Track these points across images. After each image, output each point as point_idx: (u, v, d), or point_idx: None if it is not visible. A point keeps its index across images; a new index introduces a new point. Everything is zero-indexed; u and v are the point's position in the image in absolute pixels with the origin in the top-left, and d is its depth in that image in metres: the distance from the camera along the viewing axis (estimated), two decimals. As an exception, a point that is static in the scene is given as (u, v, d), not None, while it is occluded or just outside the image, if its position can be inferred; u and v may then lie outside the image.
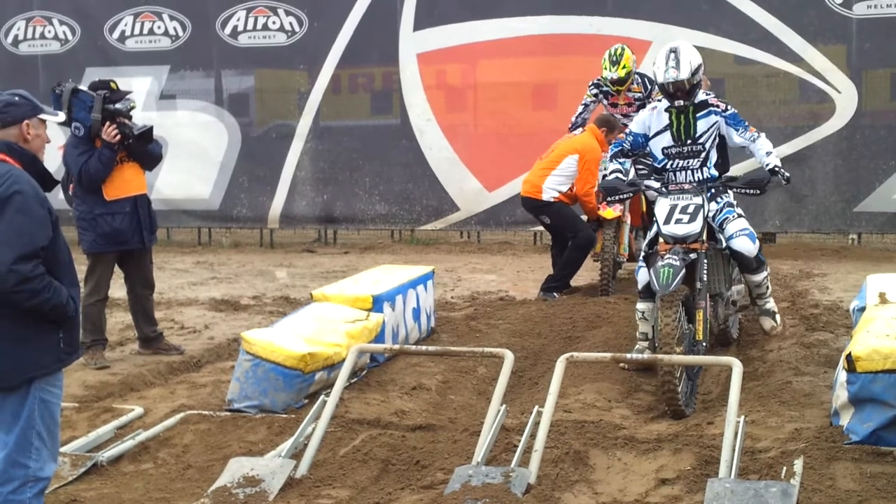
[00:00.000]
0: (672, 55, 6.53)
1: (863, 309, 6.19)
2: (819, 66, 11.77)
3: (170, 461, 5.49)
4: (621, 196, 6.91)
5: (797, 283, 9.84)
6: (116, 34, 14.36)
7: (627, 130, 7.18)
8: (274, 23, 13.79)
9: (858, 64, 11.79)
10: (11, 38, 14.78)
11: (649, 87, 9.36)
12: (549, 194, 9.29)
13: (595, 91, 9.62)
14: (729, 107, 6.77)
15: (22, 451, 3.99)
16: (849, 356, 5.18)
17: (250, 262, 12.30)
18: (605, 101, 9.61)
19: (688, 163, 6.71)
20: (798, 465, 4.87)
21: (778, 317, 6.89)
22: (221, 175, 14.03)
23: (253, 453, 5.37)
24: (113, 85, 7.46)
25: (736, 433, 4.81)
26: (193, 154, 13.97)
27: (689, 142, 6.68)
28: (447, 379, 6.79)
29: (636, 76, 9.47)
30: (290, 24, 13.73)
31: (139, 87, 13.63)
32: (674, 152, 6.72)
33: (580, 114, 9.72)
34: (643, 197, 9.05)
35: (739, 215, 6.66)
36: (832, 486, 4.69)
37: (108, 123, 7.18)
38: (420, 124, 13.38)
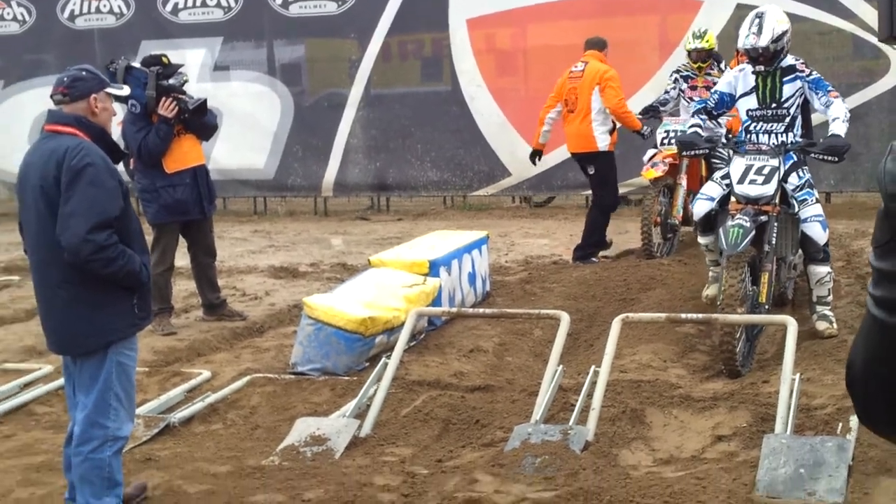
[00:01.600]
0: (756, 21, 6.47)
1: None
2: (872, 21, 11.58)
3: (238, 422, 5.69)
4: (697, 151, 6.93)
5: (853, 241, 9.79)
6: (170, 7, 14.54)
7: (714, 89, 7.20)
8: (325, -9, 13.90)
9: (914, 19, 11.61)
10: (68, 12, 15.01)
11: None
12: (602, 142, 9.41)
13: (675, 76, 9.66)
14: (813, 71, 6.70)
15: (101, 412, 4.19)
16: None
17: (306, 231, 12.49)
18: (684, 86, 9.57)
19: (772, 126, 6.68)
20: (854, 421, 4.91)
21: (834, 322, 6.69)
22: (275, 144, 14.20)
23: (317, 414, 5.54)
24: (165, 59, 7.62)
25: (791, 390, 4.89)
26: (247, 124, 14.15)
27: (773, 105, 6.66)
28: (504, 341, 6.91)
29: (717, 62, 9.59)
30: (341, -8, 13.82)
31: (193, 59, 13.85)
32: (758, 115, 6.70)
33: (663, 97, 9.71)
34: (703, 161, 9.15)
35: (817, 200, 6.60)
36: (887, 442, 4.73)
37: (164, 99, 7.34)
38: (471, 90, 13.43)
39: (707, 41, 9.35)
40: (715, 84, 9.11)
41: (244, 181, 14.38)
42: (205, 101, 7.48)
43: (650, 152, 9.33)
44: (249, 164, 14.25)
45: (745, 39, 6.48)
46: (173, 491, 4.61)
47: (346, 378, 6.13)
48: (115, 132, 8.82)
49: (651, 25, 12.86)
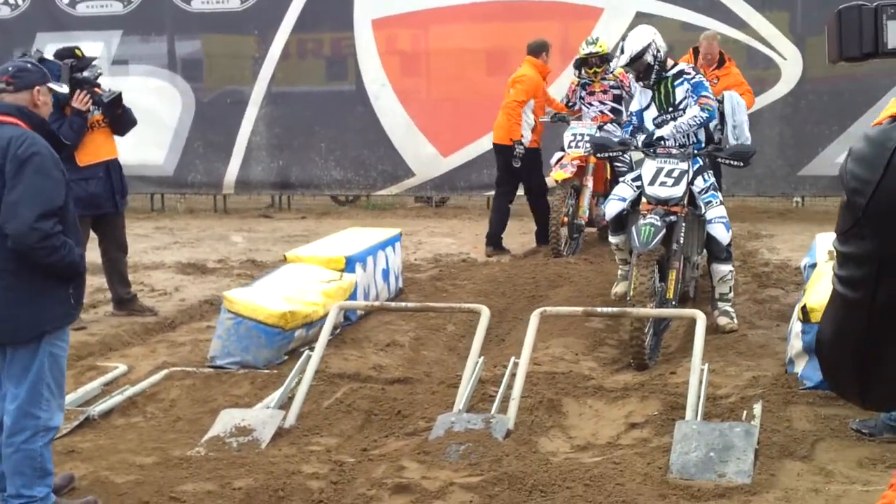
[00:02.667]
0: (621, 44, 7.11)
1: (814, 265, 6.54)
2: (765, 32, 12.14)
3: (158, 415, 5.69)
4: (610, 153, 7.27)
5: (746, 243, 10.24)
6: (67, -1, 14.26)
7: (630, 111, 7.57)
8: (228, -13, 13.81)
9: (803, 31, 12.18)
10: (-39, 2, 14.58)
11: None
12: (525, 137, 9.85)
13: (574, 78, 10.01)
14: (698, 76, 7.19)
15: (33, 402, 4.17)
16: (804, 308, 5.52)
17: (210, 228, 12.41)
18: (583, 93, 9.92)
19: None
20: (757, 408, 5.21)
21: (735, 317, 7.06)
22: (175, 140, 14.05)
23: (239, 406, 5.58)
24: (78, 52, 7.54)
25: (701, 380, 5.16)
26: (146, 120, 13.70)
27: (670, 109, 7.08)
28: (419, 336, 7.05)
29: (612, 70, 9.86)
30: (245, -12, 13.75)
31: (90, 52, 13.51)
32: (660, 121, 7.11)
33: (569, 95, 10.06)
34: (608, 164, 9.53)
35: (721, 202, 6.99)
36: (789, 427, 5.05)
37: (77, 91, 7.26)
38: (375, 90, 13.52)
39: (600, 47, 9.66)
40: (611, 87, 9.73)
41: (143, 177, 14.13)
42: (120, 94, 7.43)
43: (557, 155, 9.60)
44: (149, 160, 14.02)
45: (617, 62, 7.28)
46: (101, 482, 4.61)
47: (266, 371, 6.17)
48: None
49: (553, 31, 13.13)
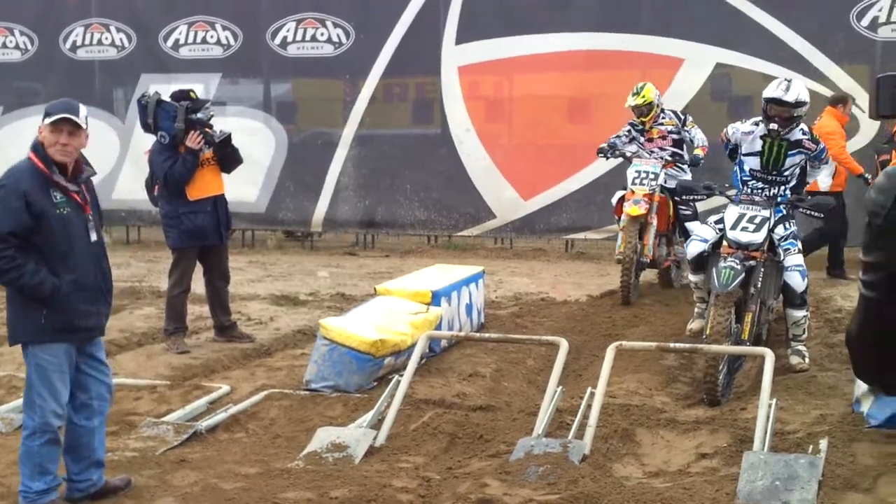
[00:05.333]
0: (785, 82, 7.16)
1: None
2: (844, 85, 12.33)
3: (259, 432, 6.16)
4: (696, 196, 7.57)
5: (822, 290, 10.43)
6: (171, 42, 15.06)
7: (730, 135, 7.54)
8: (322, 34, 14.46)
9: (882, 84, 12.33)
10: (70, 43, 15.48)
11: (683, 118, 9.99)
12: (824, 184, 10.31)
13: (628, 129, 10.08)
14: (819, 145, 7.35)
15: (28, 405, 4.77)
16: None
17: (299, 263, 12.98)
18: (641, 139, 9.99)
19: (769, 187, 7.31)
20: (823, 443, 5.47)
21: (807, 357, 7.32)
22: (268, 179, 14.70)
23: (333, 426, 6.01)
24: (192, 94, 8.14)
25: (768, 414, 5.44)
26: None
27: (774, 172, 7.29)
28: (500, 368, 7.43)
29: (668, 111, 10.05)
30: (338, 35, 14.39)
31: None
32: (759, 175, 7.33)
33: (612, 140, 10.06)
34: (671, 204, 9.68)
35: (799, 251, 7.22)
36: (853, 462, 5.30)
37: (191, 131, 7.85)
38: (459, 133, 14.01)
39: (643, 96, 9.74)
40: (669, 133, 9.85)
41: (236, 213, 14.73)
42: (230, 134, 8.02)
43: (619, 193, 9.72)
44: (242, 197, 14.65)
45: (774, 90, 7.08)
46: (211, 488, 5.06)
47: (357, 395, 6.61)
48: (142, 161, 9.25)
49: (634, 81, 13.43)
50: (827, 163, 7.38)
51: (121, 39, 15.33)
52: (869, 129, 12.19)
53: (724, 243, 7.07)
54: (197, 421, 6.18)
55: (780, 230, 7.18)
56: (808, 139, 7.29)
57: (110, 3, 15.27)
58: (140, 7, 15.22)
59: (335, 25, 14.38)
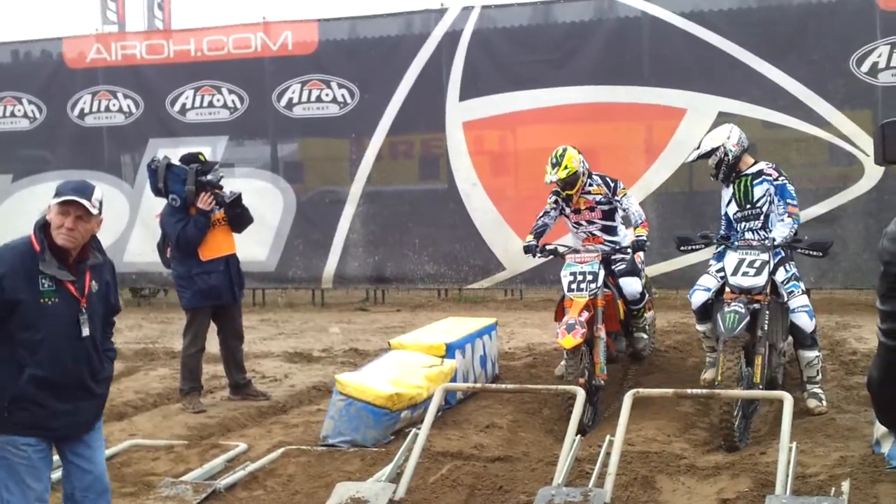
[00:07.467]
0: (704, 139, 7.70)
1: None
2: (847, 130, 12.44)
3: (278, 489, 6.14)
4: (693, 246, 7.64)
5: (835, 333, 10.43)
6: (178, 107, 15.24)
7: (722, 214, 7.81)
8: (327, 95, 14.62)
9: (884, 128, 12.43)
10: (77, 111, 15.66)
11: (612, 184, 8.19)
12: None
13: (554, 199, 8.34)
14: (781, 177, 7.54)
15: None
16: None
17: (311, 320, 13.02)
18: (567, 210, 8.32)
19: (751, 224, 7.58)
20: (845, 485, 5.45)
21: (824, 400, 7.37)
22: (277, 238, 14.78)
23: (352, 481, 6.00)
24: (202, 157, 8.24)
25: (789, 458, 5.42)
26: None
27: (748, 206, 7.57)
28: (516, 419, 7.42)
29: (595, 176, 8.21)
30: (343, 95, 14.54)
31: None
32: (739, 216, 7.62)
33: (541, 222, 8.44)
34: (617, 303, 8.11)
35: (803, 292, 7.38)
36: (877, 503, 5.27)
37: (202, 193, 7.94)
38: (466, 188, 14.11)
39: (565, 167, 7.91)
40: (598, 203, 8.20)
41: (247, 273, 14.77)
42: (240, 195, 8.11)
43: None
44: (252, 257, 14.72)
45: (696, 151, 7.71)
46: (232, 544, 5.05)
47: (375, 449, 6.61)
48: (154, 224, 9.25)
49: (638, 132, 13.64)
50: (786, 217, 7.41)
51: (128, 105, 15.50)
52: (874, 172, 12.28)
53: (727, 290, 7.17)
54: (215, 479, 6.17)
55: (780, 273, 7.31)
56: (768, 166, 7.62)
57: (117, 70, 15.47)
58: (146, 73, 15.42)
59: (339, 86, 14.55)
